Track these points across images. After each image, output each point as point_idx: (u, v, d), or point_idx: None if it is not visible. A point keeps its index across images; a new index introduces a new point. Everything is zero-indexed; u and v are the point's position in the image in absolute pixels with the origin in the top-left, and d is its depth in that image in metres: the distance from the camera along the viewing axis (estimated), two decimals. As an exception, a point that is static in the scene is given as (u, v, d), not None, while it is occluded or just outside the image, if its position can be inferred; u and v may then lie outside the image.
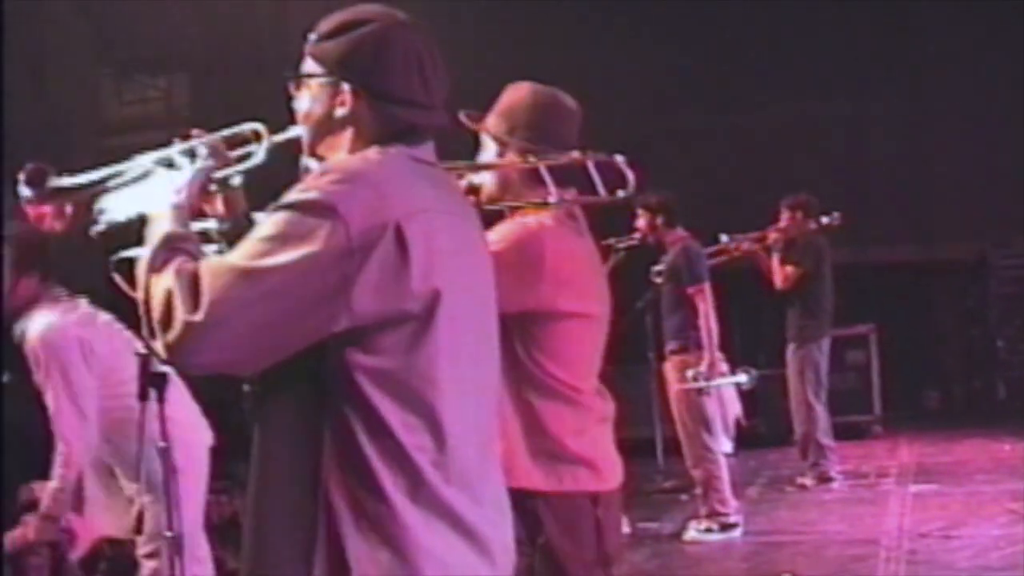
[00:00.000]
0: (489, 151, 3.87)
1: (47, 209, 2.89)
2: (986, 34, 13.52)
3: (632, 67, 13.96)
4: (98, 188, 2.92)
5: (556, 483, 3.66)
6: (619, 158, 3.69)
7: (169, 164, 2.83)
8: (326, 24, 2.72)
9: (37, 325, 5.31)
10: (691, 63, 14.11)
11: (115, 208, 2.90)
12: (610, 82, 12.82)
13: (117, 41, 13.77)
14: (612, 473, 3.81)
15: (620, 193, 3.68)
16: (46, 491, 5.45)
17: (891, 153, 14.78)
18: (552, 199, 3.68)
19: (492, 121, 3.87)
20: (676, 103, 14.32)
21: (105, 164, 2.96)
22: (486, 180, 3.81)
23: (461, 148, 3.71)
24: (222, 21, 13.28)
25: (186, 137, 2.88)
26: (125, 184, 2.88)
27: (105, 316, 5.45)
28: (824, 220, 10.57)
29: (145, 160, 2.87)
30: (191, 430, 5.65)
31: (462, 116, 3.80)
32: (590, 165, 3.69)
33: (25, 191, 2.93)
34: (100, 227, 2.94)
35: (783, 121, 14.42)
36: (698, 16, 14.09)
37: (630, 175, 3.66)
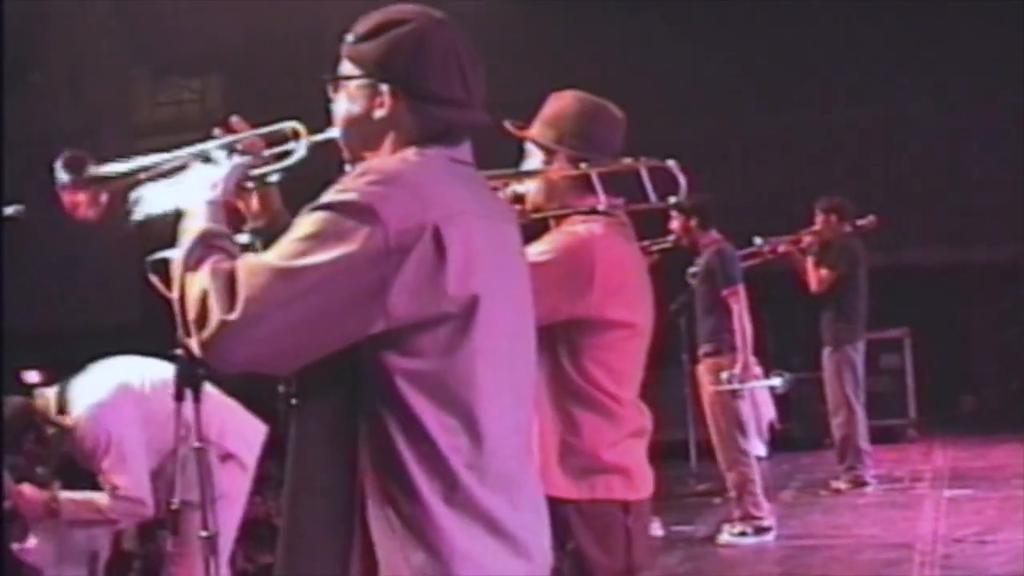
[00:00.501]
0: (534, 160, 3.87)
1: (81, 197, 2.88)
2: (1020, 36, 13.43)
3: (665, 73, 13.94)
4: (135, 179, 2.93)
5: (588, 491, 3.66)
6: (671, 163, 3.69)
7: (207, 158, 2.83)
8: (363, 25, 2.70)
9: (80, 410, 5.41)
10: (725, 68, 14.08)
11: (151, 200, 2.91)
12: (643, 87, 12.78)
13: (152, 43, 13.82)
14: (644, 482, 3.80)
15: (672, 199, 3.68)
16: (74, 498, 5.49)
17: (925, 156, 14.70)
18: (602, 206, 3.68)
19: (538, 130, 3.86)
20: (709, 108, 14.27)
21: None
22: (531, 189, 3.80)
23: (503, 158, 3.70)
24: (257, 23, 13.32)
25: (226, 126, 2.88)
26: (162, 175, 2.89)
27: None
28: (859, 223, 10.54)
29: (184, 152, 2.88)
30: (247, 426, 5.70)
31: (507, 125, 3.79)
32: (642, 171, 3.68)
33: (62, 175, 2.93)
34: (136, 218, 2.95)
35: (817, 124, 14.38)
36: (732, 22, 14.06)
37: (682, 180, 3.66)
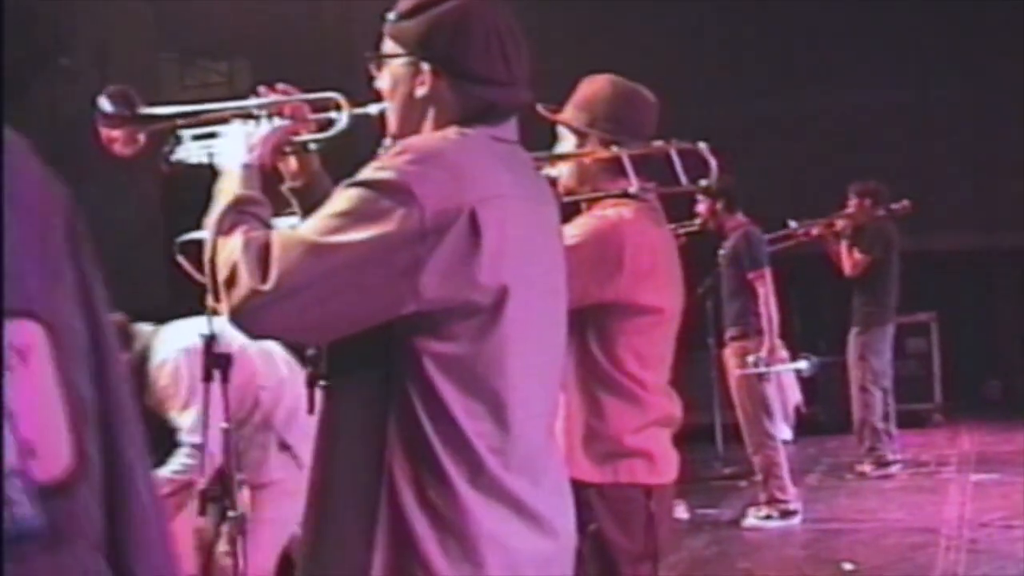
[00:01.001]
0: (567, 143, 3.87)
1: (118, 133, 2.89)
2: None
3: (697, 56, 13.91)
4: (175, 124, 2.95)
5: (611, 475, 3.67)
6: (703, 146, 3.69)
7: (249, 115, 2.84)
8: (405, 3, 2.70)
9: (167, 352, 5.37)
10: (757, 51, 14.04)
11: (188, 149, 2.94)
12: (675, 71, 12.74)
13: (179, 25, 13.83)
14: (667, 467, 3.81)
15: (703, 182, 3.69)
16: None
17: (954, 140, 14.64)
18: (633, 189, 3.68)
19: (571, 113, 3.86)
20: (742, 91, 14.22)
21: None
22: (563, 172, 3.81)
23: (536, 141, 3.70)
24: (285, 5, 13.31)
25: (272, 88, 2.89)
26: (203, 125, 2.91)
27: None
28: (893, 207, 10.51)
29: (227, 106, 2.90)
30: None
31: (540, 108, 3.80)
32: (673, 154, 3.69)
33: (105, 105, 2.94)
34: (169, 164, 2.97)
35: (848, 109, 14.32)
36: (764, 4, 14.01)
37: (713, 163, 3.66)
